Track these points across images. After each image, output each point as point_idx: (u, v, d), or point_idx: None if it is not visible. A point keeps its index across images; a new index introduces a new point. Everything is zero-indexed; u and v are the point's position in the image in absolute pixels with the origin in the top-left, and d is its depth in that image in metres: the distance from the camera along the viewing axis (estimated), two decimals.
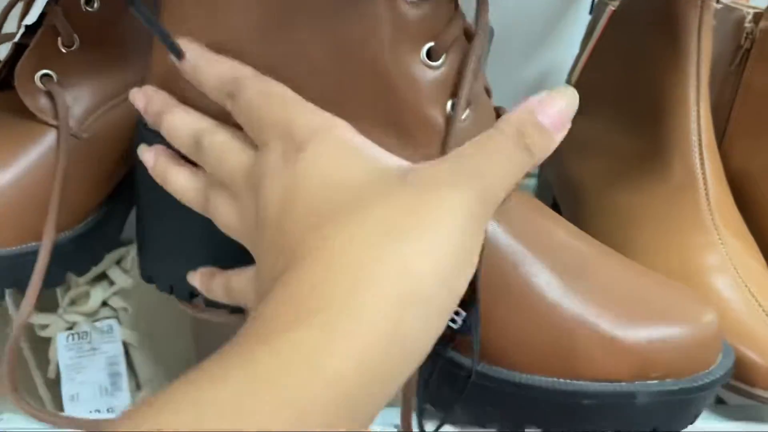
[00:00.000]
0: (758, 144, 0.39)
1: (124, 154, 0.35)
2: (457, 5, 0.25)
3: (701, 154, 0.35)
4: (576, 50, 0.53)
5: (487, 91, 0.27)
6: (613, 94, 0.42)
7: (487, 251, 0.23)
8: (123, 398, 0.39)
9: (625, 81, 0.40)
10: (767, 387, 0.28)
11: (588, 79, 0.44)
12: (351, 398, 0.16)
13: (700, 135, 0.35)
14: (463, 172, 0.20)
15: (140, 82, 0.30)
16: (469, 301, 0.23)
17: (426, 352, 0.18)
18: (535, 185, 0.53)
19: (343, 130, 0.21)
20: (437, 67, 0.23)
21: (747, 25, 0.39)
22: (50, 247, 0.30)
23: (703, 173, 0.35)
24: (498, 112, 0.26)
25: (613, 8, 0.42)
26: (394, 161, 0.21)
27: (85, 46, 0.33)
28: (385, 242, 0.18)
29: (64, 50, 0.33)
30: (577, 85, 0.45)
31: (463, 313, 0.23)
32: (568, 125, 0.23)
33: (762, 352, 0.28)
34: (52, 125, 0.32)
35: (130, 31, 0.35)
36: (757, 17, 0.39)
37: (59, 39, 0.33)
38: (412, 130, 0.23)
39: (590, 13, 0.48)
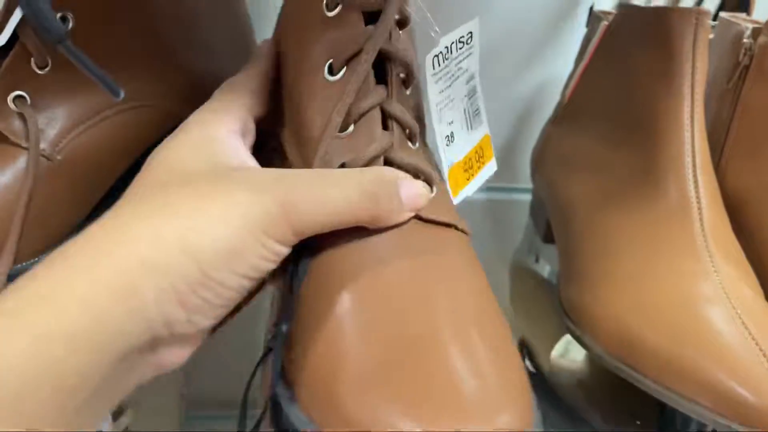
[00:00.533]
0: (757, 164, 0.38)
1: (100, 175, 0.35)
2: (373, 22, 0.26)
3: (695, 176, 0.34)
4: (571, 64, 0.52)
5: (420, 120, 0.27)
6: (605, 111, 0.40)
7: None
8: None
9: (617, 98, 0.39)
10: (760, 426, 0.27)
11: (581, 95, 0.43)
12: (78, 339, 0.18)
13: (694, 156, 0.34)
14: (278, 181, 0.23)
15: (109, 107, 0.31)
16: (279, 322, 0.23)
17: (163, 316, 0.20)
18: (530, 202, 0.52)
19: (213, 126, 0.25)
20: (332, 83, 0.25)
21: (745, 40, 0.38)
22: (7, 271, 0.30)
23: (698, 196, 0.34)
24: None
25: (607, 23, 0.41)
26: (237, 160, 0.24)
27: (58, 68, 0.33)
28: (167, 216, 0.21)
29: (37, 71, 0.32)
30: (570, 101, 0.44)
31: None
32: (411, 214, 0.25)
33: (754, 388, 0.27)
34: (24, 147, 0.32)
35: (106, 51, 0.34)
36: (756, 33, 0.38)
37: (32, 60, 0.32)
38: (303, 141, 0.25)
39: (586, 26, 0.46)
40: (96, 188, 0.35)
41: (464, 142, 0.32)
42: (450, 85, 0.30)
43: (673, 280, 0.31)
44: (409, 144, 0.28)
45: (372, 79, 0.27)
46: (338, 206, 0.23)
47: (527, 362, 0.45)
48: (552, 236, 0.44)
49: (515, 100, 0.54)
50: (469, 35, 0.30)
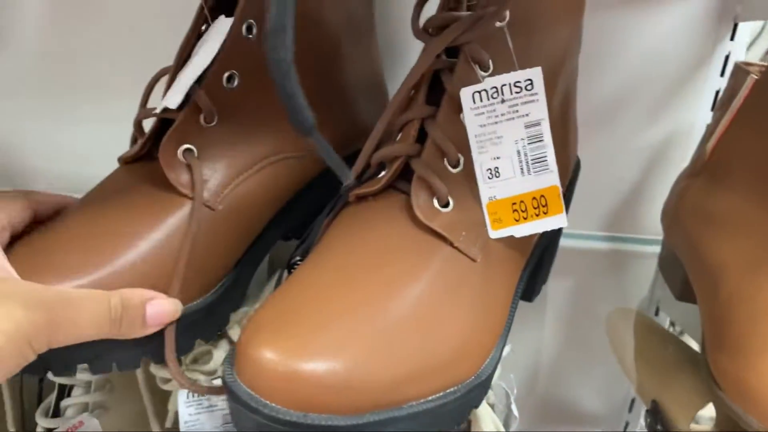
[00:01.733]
0: None
1: (253, 222, 0.37)
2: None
3: None
4: (704, 113, 0.50)
5: None
6: (756, 169, 0.38)
7: None
8: None
9: None
10: None
11: (727, 150, 0.41)
12: None
13: None
14: (44, 300, 0.27)
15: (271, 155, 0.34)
16: None
17: None
18: (659, 255, 0.50)
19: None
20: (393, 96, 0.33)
21: None
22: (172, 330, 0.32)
23: None
24: None
25: (755, 78, 0.38)
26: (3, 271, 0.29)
27: (223, 122, 0.35)
28: None
29: (205, 126, 0.34)
30: (713, 155, 0.42)
31: None
32: (161, 327, 0.31)
33: None
34: (190, 197, 0.33)
35: (264, 105, 0.36)
36: None
37: (201, 115, 0.34)
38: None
39: (721, 75, 0.44)
40: (249, 235, 0.37)
41: (515, 183, 0.32)
42: (496, 123, 0.31)
43: None
44: (447, 165, 0.32)
45: (422, 97, 0.32)
46: (88, 329, 0.28)
47: (659, 427, 0.43)
48: (688, 294, 0.42)
49: (643, 148, 0.52)
50: (529, 82, 0.31)
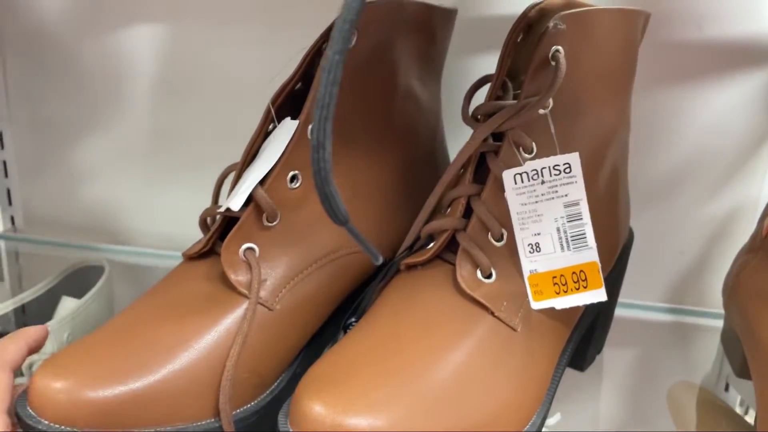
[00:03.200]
0: None
1: (310, 321, 0.37)
2: None
3: None
4: (766, 188, 0.50)
5: None
6: None
7: None
8: None
9: None
10: None
11: None
12: None
13: None
14: None
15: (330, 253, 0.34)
16: None
17: None
18: (721, 328, 0.49)
19: None
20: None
21: None
22: (230, 422, 0.32)
23: None
24: None
25: None
26: None
27: (285, 221, 0.36)
28: None
29: (267, 225, 0.35)
30: None
31: None
32: None
33: None
34: (247, 297, 0.34)
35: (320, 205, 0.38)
36: None
37: (264, 215, 0.35)
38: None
39: None
40: (305, 334, 0.37)
41: (555, 258, 0.34)
42: (536, 202, 0.34)
43: None
44: (491, 239, 0.34)
45: (469, 176, 0.35)
46: None
47: None
48: (747, 371, 0.41)
49: (707, 221, 0.52)
50: (567, 165, 0.33)
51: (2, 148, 0.64)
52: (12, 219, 0.66)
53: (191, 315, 0.34)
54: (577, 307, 0.38)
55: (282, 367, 0.36)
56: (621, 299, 0.52)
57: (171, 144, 0.61)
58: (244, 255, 0.35)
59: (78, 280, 0.58)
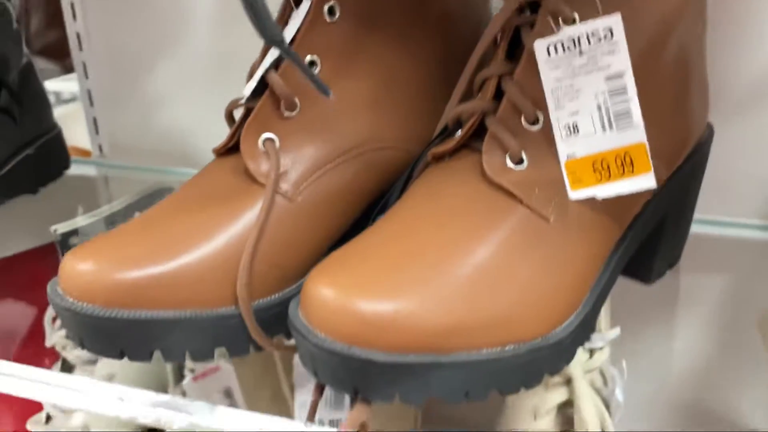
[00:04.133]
0: None
1: (336, 218, 0.35)
2: None
3: None
4: None
5: None
6: None
7: None
8: (344, 413, 0.42)
9: None
10: None
11: None
12: None
13: None
14: None
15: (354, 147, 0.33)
16: None
17: None
18: None
19: None
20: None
21: None
22: (248, 309, 0.31)
23: None
24: None
25: None
26: None
27: (306, 111, 0.34)
28: None
29: (286, 115, 0.34)
30: None
31: None
32: None
33: None
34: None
35: (348, 95, 0.36)
36: None
37: (281, 104, 0.34)
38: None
39: None
40: (329, 231, 0.36)
41: (596, 139, 0.30)
42: (574, 75, 0.30)
43: None
44: (524, 122, 0.31)
45: (501, 53, 0.32)
46: None
47: None
48: None
49: None
50: (608, 31, 0.29)
51: (86, 78, 0.68)
52: (100, 147, 0.70)
53: (214, 205, 0.34)
54: (630, 204, 0.34)
55: (306, 264, 0.35)
56: (704, 215, 0.46)
57: (237, 70, 0.62)
58: (264, 145, 0.34)
59: (154, 201, 0.60)
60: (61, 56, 0.88)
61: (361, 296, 0.27)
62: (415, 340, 0.27)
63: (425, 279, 0.28)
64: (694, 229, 0.44)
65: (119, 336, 0.31)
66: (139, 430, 0.55)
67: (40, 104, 0.59)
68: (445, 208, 0.31)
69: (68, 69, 0.78)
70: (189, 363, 0.50)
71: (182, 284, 0.31)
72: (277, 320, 0.33)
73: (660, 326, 0.53)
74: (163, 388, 0.55)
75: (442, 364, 0.27)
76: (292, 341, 0.35)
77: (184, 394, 0.51)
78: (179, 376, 0.53)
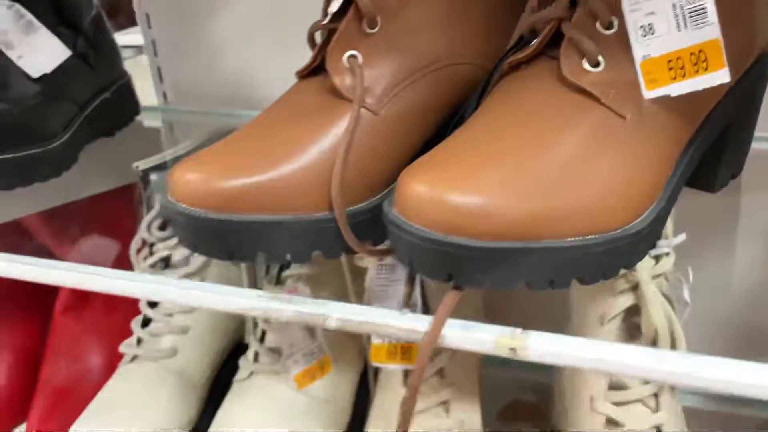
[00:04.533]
0: None
1: (417, 130, 0.38)
2: None
3: None
4: None
5: None
6: None
7: None
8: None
9: None
10: None
11: None
12: None
13: None
14: None
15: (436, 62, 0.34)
16: None
17: None
18: None
19: None
20: None
21: None
22: (342, 213, 0.34)
23: None
24: None
25: None
26: None
27: (387, 27, 0.36)
28: None
29: (368, 32, 0.36)
30: None
31: None
32: None
33: None
34: (352, 101, 0.35)
35: (430, 10, 0.37)
36: None
37: (364, 21, 0.36)
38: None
39: None
40: (411, 142, 0.38)
41: (671, 38, 0.31)
42: None
43: None
44: (599, 27, 0.32)
45: None
46: None
47: None
48: None
49: None
50: None
51: (150, 27, 0.70)
52: (164, 95, 0.73)
53: (304, 120, 0.36)
54: (701, 105, 0.36)
55: (390, 173, 0.37)
56: (766, 133, 0.47)
57: (296, 13, 0.63)
58: (348, 62, 0.36)
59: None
60: (113, 14, 0.91)
61: (455, 190, 0.29)
62: (507, 228, 0.29)
63: (513, 173, 0.30)
64: (755, 146, 0.45)
65: (228, 238, 0.34)
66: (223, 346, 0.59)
67: (112, 51, 0.62)
68: (525, 110, 0.33)
69: (118, 26, 0.81)
70: (270, 287, 0.54)
71: (282, 191, 0.34)
72: (365, 227, 0.36)
73: (720, 244, 0.55)
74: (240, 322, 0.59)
75: (532, 250, 0.29)
76: (379, 246, 0.38)
77: None
78: None
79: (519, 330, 0.30)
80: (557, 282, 0.30)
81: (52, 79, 0.52)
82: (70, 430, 0.53)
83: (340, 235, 0.35)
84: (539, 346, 0.29)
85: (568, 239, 0.30)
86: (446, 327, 0.30)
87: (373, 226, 0.36)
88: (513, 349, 0.29)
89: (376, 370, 0.57)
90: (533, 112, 0.32)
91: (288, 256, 0.35)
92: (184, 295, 0.36)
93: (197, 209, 0.33)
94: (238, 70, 0.69)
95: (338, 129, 0.36)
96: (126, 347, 0.57)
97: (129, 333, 0.59)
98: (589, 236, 0.30)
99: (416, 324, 0.31)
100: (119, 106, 0.62)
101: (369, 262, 0.46)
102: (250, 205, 0.34)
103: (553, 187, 0.30)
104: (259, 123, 0.38)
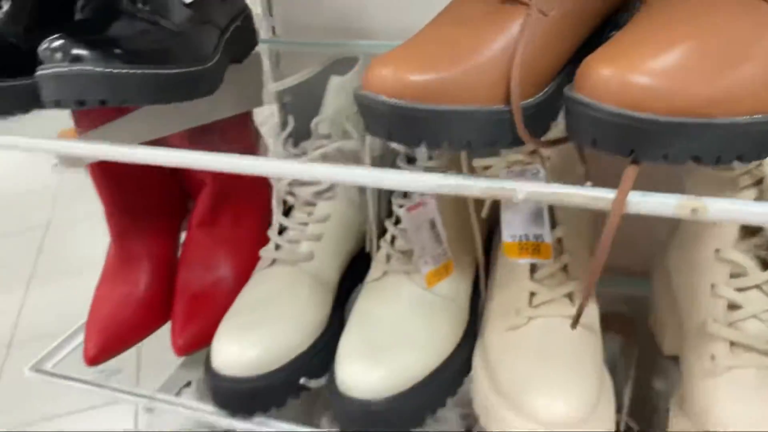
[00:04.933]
0: None
1: (579, 30, 0.42)
2: None
3: None
4: None
5: None
6: None
7: None
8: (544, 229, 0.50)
9: None
10: None
11: None
12: None
13: None
14: None
15: None
16: None
17: None
18: None
19: None
20: None
21: None
22: (518, 103, 0.39)
23: None
24: None
25: None
26: None
27: None
28: None
29: None
30: None
31: None
32: None
33: None
34: (527, 3, 0.41)
35: None
36: None
37: None
38: None
39: None
40: (573, 41, 0.43)
41: None
42: None
43: None
44: None
45: None
46: None
47: None
48: None
49: None
50: None
51: None
52: (273, 29, 0.78)
53: (483, 22, 0.41)
54: None
55: (552, 72, 0.42)
56: None
57: None
58: None
59: (335, 72, 0.67)
60: None
61: (641, 71, 0.34)
62: (687, 105, 0.33)
63: (694, 56, 0.34)
64: None
65: (419, 126, 0.39)
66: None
67: None
68: (694, 5, 0.37)
69: None
70: (400, 200, 0.59)
71: (465, 85, 0.39)
72: (533, 120, 0.41)
73: None
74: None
75: (710, 125, 0.33)
76: (544, 138, 0.42)
77: (396, 222, 0.60)
78: (388, 211, 0.62)
79: (693, 196, 0.34)
80: (723, 158, 0.35)
81: (199, 6, 0.57)
82: (223, 321, 0.59)
83: (513, 127, 0.40)
84: (717, 206, 0.33)
85: (740, 117, 0.34)
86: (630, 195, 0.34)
87: (541, 117, 0.41)
88: (695, 210, 0.33)
89: (487, 276, 0.62)
90: (702, 6, 0.36)
91: (468, 143, 0.39)
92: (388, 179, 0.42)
93: (394, 99, 0.38)
94: (345, 2, 0.73)
95: (513, 29, 0.40)
96: (266, 251, 0.63)
97: (254, 246, 0.64)
98: (757, 115, 0.34)
99: (601, 193, 0.35)
100: (247, 34, 0.66)
101: (494, 171, 0.51)
102: (439, 96, 0.38)
103: (729, 70, 0.34)
104: (437, 27, 0.42)
